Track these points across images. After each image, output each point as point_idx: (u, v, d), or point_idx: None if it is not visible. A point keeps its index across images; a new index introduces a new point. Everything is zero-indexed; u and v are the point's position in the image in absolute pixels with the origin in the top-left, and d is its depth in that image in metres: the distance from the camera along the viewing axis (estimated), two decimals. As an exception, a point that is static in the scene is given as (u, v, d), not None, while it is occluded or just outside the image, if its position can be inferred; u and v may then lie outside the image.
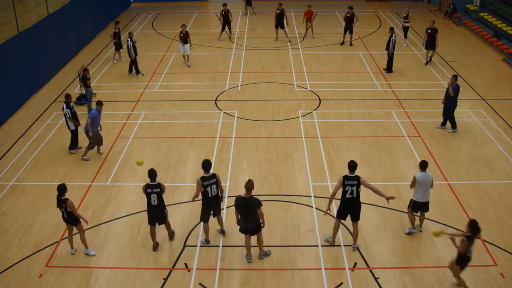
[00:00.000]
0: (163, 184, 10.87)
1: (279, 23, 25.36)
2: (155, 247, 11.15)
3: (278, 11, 25.13)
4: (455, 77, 15.88)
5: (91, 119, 14.35)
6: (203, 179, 10.64)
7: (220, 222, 11.44)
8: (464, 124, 16.78)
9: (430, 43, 21.77)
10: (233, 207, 12.48)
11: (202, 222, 11.23)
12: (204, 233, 11.28)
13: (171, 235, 11.43)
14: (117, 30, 22.25)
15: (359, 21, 24.86)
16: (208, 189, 10.68)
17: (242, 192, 13.09)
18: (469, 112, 17.67)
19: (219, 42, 25.84)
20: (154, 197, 10.69)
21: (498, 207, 12.55)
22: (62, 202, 10.59)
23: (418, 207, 11.23)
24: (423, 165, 11.03)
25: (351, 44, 24.92)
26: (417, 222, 11.62)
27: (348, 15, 24.29)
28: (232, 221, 12.00)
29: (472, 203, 12.69)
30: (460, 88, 16.29)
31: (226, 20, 25.90)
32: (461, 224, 11.80)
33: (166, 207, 11.14)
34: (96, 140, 14.74)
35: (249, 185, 10.22)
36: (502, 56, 23.30)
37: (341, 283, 10.19)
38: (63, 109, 14.79)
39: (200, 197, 10.92)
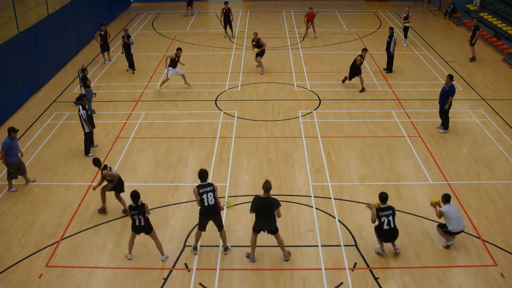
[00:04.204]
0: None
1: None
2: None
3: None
4: (450, 76, 15.89)
5: (5, 149, 12.96)
6: (199, 187, 10.43)
7: (223, 238, 10.94)
8: (464, 124, 16.79)
9: (472, 40, 22.46)
10: (234, 207, 12.54)
11: (197, 229, 10.92)
12: (195, 239, 11.02)
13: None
14: (102, 32, 22.16)
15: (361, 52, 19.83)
16: (204, 196, 10.37)
17: (241, 192, 13.20)
18: (469, 112, 17.67)
19: (219, 42, 25.85)
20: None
21: (498, 207, 12.55)
22: (139, 209, 10.39)
23: (456, 234, 11.11)
24: (447, 199, 11.01)
25: (362, 90, 19.35)
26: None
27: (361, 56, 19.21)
28: (232, 221, 12.03)
29: (472, 203, 12.69)
30: (458, 88, 16.28)
31: (226, 18, 26.00)
32: (461, 224, 11.82)
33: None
34: (18, 170, 13.35)
35: (267, 186, 10.18)
36: (502, 56, 23.29)
37: (341, 283, 10.19)
38: (79, 110, 14.53)
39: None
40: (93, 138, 15.35)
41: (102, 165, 12.17)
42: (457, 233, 11.08)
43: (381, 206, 10.60)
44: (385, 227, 10.58)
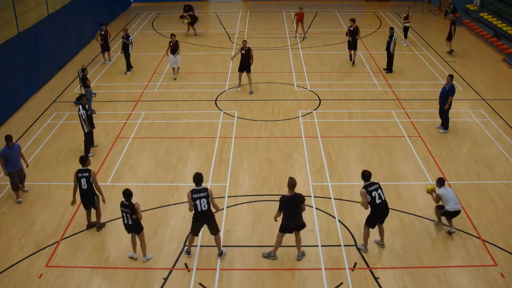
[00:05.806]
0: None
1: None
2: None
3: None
4: (451, 76, 15.90)
5: (2, 157, 12.57)
6: (192, 191, 10.33)
7: (217, 242, 10.82)
8: (464, 124, 16.79)
9: (449, 35, 23.47)
10: (234, 207, 12.56)
11: (190, 233, 10.84)
12: (188, 242, 10.95)
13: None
14: (103, 32, 22.12)
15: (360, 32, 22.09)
16: (197, 202, 10.26)
17: (240, 192, 13.20)
18: (469, 112, 17.67)
19: (219, 42, 25.84)
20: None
21: (498, 207, 12.55)
22: (128, 208, 10.36)
23: (453, 214, 11.38)
24: (442, 182, 11.42)
25: (353, 64, 22.18)
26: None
27: (351, 28, 21.70)
28: (233, 220, 12.03)
29: (472, 203, 12.69)
30: (458, 88, 16.28)
31: (193, 19, 26.92)
32: (461, 223, 11.80)
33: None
34: (16, 180, 12.86)
35: (293, 183, 10.18)
36: (502, 56, 23.29)
37: (341, 283, 10.19)
38: (78, 110, 14.50)
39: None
40: (93, 138, 15.36)
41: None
42: (455, 213, 11.33)
43: (366, 183, 10.63)
44: (378, 201, 10.55)
